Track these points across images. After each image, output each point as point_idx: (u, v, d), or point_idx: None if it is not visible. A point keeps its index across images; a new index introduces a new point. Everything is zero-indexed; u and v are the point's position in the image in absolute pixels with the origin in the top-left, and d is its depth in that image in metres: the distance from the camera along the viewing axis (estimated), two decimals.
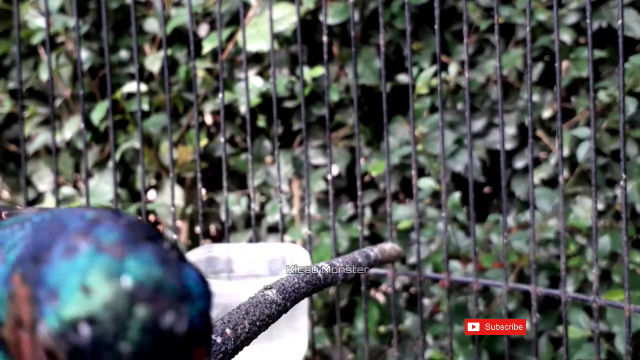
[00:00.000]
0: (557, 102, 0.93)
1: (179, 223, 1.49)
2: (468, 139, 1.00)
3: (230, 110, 1.40)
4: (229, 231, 1.13)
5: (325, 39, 1.06)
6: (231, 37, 1.39)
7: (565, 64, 1.29)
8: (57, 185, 1.14)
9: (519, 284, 1.05)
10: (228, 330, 0.63)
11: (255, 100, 1.33)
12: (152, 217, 1.56)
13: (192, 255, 1.07)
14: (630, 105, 1.18)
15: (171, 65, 1.43)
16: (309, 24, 1.39)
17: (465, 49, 0.99)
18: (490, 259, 1.22)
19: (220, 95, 1.09)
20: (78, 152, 1.45)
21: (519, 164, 1.33)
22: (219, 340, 0.61)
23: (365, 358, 1.09)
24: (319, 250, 1.22)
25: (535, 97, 1.31)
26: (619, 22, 0.87)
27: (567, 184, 1.27)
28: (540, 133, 1.33)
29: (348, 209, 1.38)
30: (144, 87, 1.37)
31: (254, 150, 1.36)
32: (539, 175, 1.29)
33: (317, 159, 1.41)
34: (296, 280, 0.75)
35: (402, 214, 1.28)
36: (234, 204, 1.38)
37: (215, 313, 0.98)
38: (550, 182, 1.31)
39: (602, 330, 1.17)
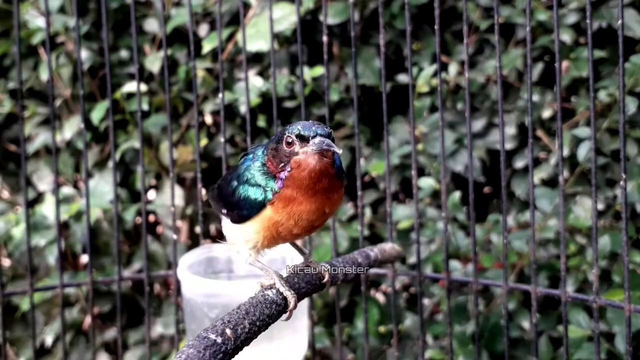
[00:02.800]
0: (557, 102, 0.93)
1: (179, 223, 1.49)
2: (468, 139, 1.00)
3: (230, 110, 1.40)
4: None
5: (325, 39, 1.06)
6: (231, 37, 1.39)
7: (565, 64, 1.29)
8: (57, 185, 1.14)
9: (519, 284, 1.05)
10: (228, 331, 0.63)
11: (255, 100, 1.33)
12: (152, 217, 1.56)
13: (192, 255, 1.07)
14: (631, 104, 1.18)
15: (171, 65, 1.43)
16: (309, 24, 1.39)
17: (465, 49, 0.99)
18: (490, 259, 1.22)
19: (220, 95, 1.09)
20: (78, 152, 1.45)
21: (519, 164, 1.33)
22: (219, 340, 0.61)
23: (365, 358, 1.09)
24: (319, 250, 1.22)
25: (535, 97, 1.31)
26: (619, 22, 0.88)
27: (567, 184, 1.27)
28: (540, 133, 1.33)
29: (348, 209, 1.38)
30: (144, 87, 1.37)
31: None
32: (539, 175, 1.30)
33: None
34: (296, 280, 0.75)
35: (402, 214, 1.28)
36: None
37: (215, 313, 0.98)
38: (550, 182, 1.31)
39: (602, 330, 1.17)
